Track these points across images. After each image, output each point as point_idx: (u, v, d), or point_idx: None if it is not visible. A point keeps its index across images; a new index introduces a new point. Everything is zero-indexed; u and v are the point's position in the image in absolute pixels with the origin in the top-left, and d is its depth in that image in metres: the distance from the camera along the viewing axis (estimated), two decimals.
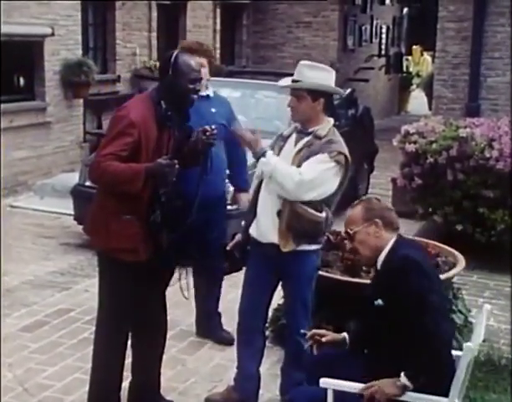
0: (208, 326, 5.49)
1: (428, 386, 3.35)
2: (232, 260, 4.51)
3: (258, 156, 4.11)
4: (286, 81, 4.28)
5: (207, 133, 3.99)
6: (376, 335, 3.60)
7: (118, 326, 4.14)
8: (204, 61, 4.99)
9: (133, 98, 4.21)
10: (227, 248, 4.46)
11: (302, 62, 4.24)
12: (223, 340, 5.37)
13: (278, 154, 4.23)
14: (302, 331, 3.86)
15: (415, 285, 3.39)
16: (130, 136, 3.82)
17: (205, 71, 4.95)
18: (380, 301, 3.52)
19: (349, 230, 3.66)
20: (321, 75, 4.17)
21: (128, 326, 4.20)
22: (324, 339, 3.73)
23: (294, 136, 4.28)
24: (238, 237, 4.47)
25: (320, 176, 4.07)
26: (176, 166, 3.85)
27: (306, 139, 4.19)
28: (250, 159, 4.78)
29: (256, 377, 4.49)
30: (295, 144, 4.22)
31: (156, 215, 3.91)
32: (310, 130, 4.20)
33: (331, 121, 4.27)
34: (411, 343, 3.35)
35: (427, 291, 3.38)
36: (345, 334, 3.76)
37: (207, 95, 5.13)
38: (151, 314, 4.25)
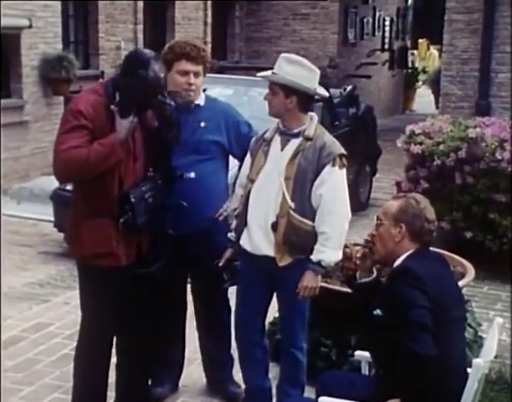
0: (219, 375, 4.92)
1: None
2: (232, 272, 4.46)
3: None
4: (266, 73, 4.28)
5: None
6: (378, 349, 3.61)
7: (101, 341, 4.13)
8: (200, 69, 4.51)
9: (84, 90, 4.23)
10: (220, 264, 4.41)
11: (283, 55, 4.25)
12: (234, 396, 4.83)
13: (264, 160, 4.25)
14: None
15: (399, 293, 3.39)
16: (85, 129, 3.84)
17: (200, 80, 4.52)
18: (378, 311, 3.53)
19: (379, 218, 3.67)
20: (298, 72, 4.14)
21: (111, 340, 4.18)
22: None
23: (277, 138, 4.28)
24: (229, 253, 4.42)
25: (345, 194, 4.19)
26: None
27: (294, 141, 4.21)
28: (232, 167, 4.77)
29: (265, 389, 4.52)
30: (282, 148, 4.23)
31: (128, 217, 3.91)
32: (296, 131, 4.21)
33: (315, 117, 4.29)
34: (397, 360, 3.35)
35: (411, 302, 3.34)
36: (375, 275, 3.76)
37: (197, 105, 4.56)
38: (136, 328, 4.24)
